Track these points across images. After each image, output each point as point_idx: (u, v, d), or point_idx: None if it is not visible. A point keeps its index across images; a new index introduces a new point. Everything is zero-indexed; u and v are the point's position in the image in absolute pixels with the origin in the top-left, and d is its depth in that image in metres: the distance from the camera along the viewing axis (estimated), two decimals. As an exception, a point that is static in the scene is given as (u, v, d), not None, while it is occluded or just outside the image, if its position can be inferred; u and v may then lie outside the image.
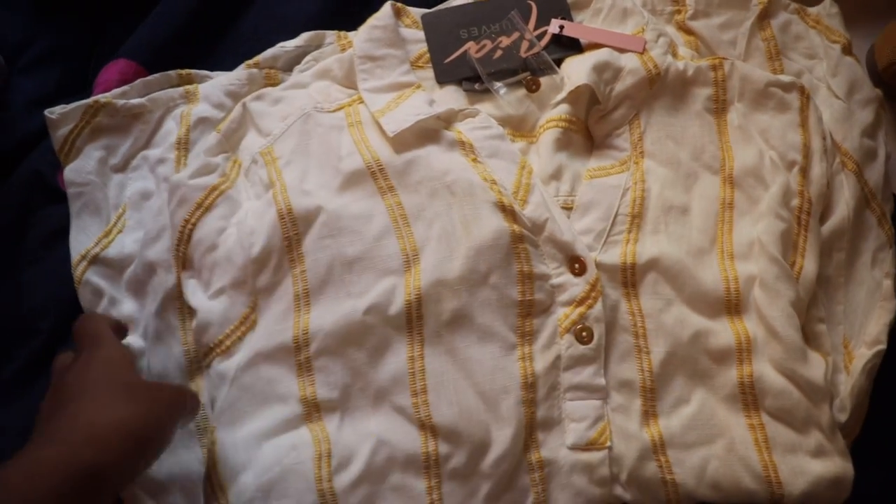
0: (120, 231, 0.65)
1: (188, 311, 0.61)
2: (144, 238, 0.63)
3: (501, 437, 0.55)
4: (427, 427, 0.56)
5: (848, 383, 0.59)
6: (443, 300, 0.57)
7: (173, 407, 0.51)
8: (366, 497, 0.55)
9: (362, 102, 0.65)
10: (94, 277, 0.63)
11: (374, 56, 0.66)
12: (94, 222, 0.65)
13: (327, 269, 0.58)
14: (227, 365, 0.59)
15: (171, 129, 0.67)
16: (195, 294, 0.61)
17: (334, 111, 0.65)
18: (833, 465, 0.55)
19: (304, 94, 0.67)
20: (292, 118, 0.64)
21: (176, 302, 0.61)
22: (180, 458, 0.58)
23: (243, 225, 0.60)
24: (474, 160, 0.61)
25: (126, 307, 0.63)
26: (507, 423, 0.55)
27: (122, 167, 0.67)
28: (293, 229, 0.59)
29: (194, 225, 0.61)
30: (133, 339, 0.62)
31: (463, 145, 0.62)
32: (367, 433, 0.56)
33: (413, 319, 0.57)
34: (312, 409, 0.57)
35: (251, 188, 0.63)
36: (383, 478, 0.55)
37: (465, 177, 0.59)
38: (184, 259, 0.61)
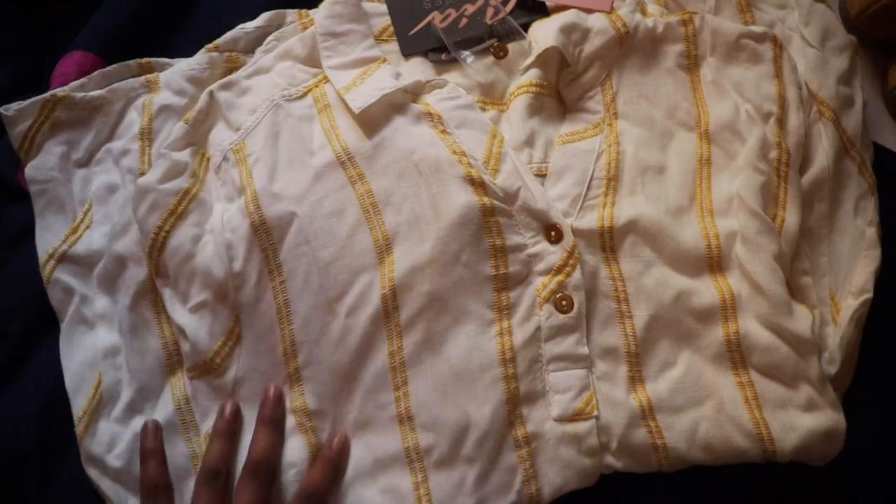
0: (87, 227, 0.64)
1: (163, 307, 0.61)
2: (112, 232, 0.62)
3: (479, 417, 0.55)
4: (405, 420, 0.56)
5: (836, 335, 0.59)
6: (416, 286, 0.56)
7: None
8: (357, 501, 0.56)
9: (328, 81, 0.64)
10: (64, 276, 0.63)
11: (337, 32, 0.65)
12: (60, 219, 0.65)
13: (305, 276, 0.58)
14: (224, 381, 0.59)
15: (134, 119, 0.66)
16: (174, 307, 0.60)
17: (302, 96, 0.64)
18: (825, 417, 0.55)
19: (268, 80, 0.65)
20: (262, 110, 0.63)
21: (149, 295, 0.61)
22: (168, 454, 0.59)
23: (220, 236, 0.59)
24: (443, 132, 0.60)
25: (98, 304, 0.63)
26: (484, 402, 0.55)
27: (86, 161, 0.66)
28: (268, 240, 0.58)
29: (168, 232, 0.59)
30: (108, 336, 0.62)
31: (431, 117, 0.61)
32: (354, 440, 0.57)
33: (390, 311, 0.57)
34: (304, 419, 0.57)
35: (222, 188, 0.62)
36: (373, 481, 0.56)
37: (432, 153, 0.59)
38: (157, 266, 0.60)
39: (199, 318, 0.59)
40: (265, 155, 0.61)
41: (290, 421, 0.58)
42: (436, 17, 0.67)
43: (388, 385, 0.57)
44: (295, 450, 0.57)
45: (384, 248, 0.57)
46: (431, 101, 0.62)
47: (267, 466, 0.56)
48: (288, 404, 0.58)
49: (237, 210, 0.60)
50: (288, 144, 0.62)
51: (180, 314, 0.59)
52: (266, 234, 0.58)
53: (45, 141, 0.65)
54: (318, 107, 0.63)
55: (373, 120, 0.61)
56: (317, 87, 0.65)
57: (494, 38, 0.66)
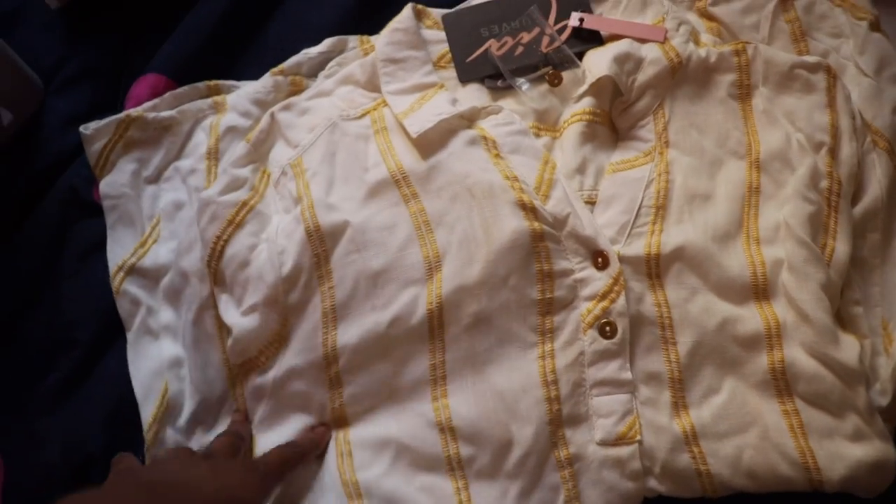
0: (155, 241, 0.67)
1: (224, 324, 0.63)
2: (178, 248, 0.65)
3: (523, 436, 0.56)
4: (446, 430, 0.57)
5: (889, 366, 0.58)
6: (463, 305, 0.58)
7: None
8: (391, 491, 0.56)
9: (386, 105, 0.66)
10: (132, 287, 0.66)
11: (397, 58, 0.68)
12: (129, 233, 0.68)
13: (353, 283, 0.60)
14: (264, 380, 0.61)
15: (201, 140, 0.70)
16: (228, 311, 0.62)
17: (360, 117, 0.66)
18: (873, 448, 0.54)
19: (328, 102, 0.68)
20: (319, 129, 0.66)
21: (212, 311, 0.63)
22: None
23: (273, 243, 0.61)
24: (497, 156, 0.62)
25: (164, 316, 0.66)
26: (527, 422, 0.56)
27: (155, 178, 0.70)
28: (321, 246, 0.60)
29: (226, 241, 0.62)
30: (172, 347, 0.65)
31: (485, 141, 0.63)
32: (389, 439, 0.58)
33: (435, 328, 0.58)
34: (340, 418, 0.60)
35: (280, 201, 0.64)
36: (410, 479, 0.57)
37: (486, 178, 0.60)
38: (215, 274, 0.63)
39: (249, 320, 0.61)
40: (322, 170, 0.63)
41: (324, 419, 0.60)
42: (493, 45, 0.69)
43: (426, 394, 0.58)
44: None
45: (434, 265, 0.59)
46: (486, 126, 0.64)
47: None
48: (327, 405, 0.60)
49: (293, 218, 0.62)
50: (344, 161, 0.63)
51: (233, 317, 0.61)
52: (320, 241, 0.60)
53: (119, 158, 0.69)
54: (374, 128, 0.65)
55: (429, 143, 0.63)
56: (375, 109, 0.67)
57: (549, 67, 0.68)
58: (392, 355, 0.59)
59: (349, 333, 0.59)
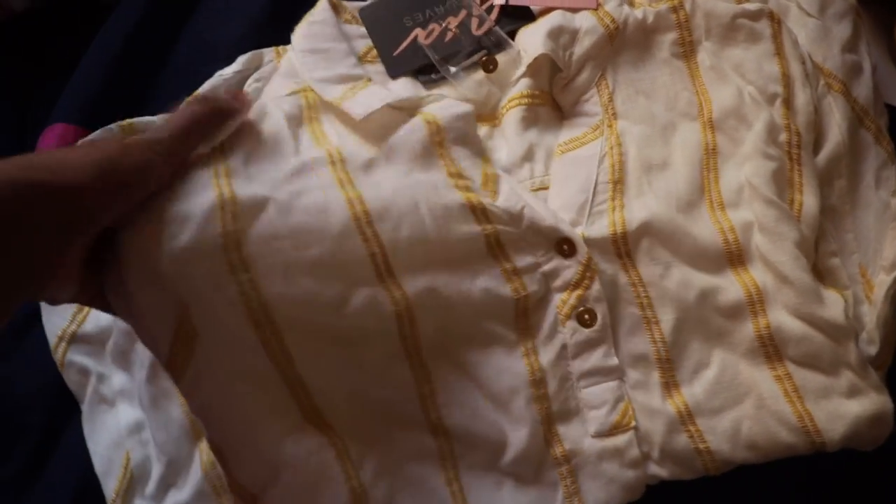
0: (93, 303, 0.64)
1: None
2: None
3: (517, 438, 0.54)
4: (439, 428, 0.55)
5: (872, 313, 0.58)
6: (434, 308, 0.54)
7: (130, 143, 0.46)
8: (387, 490, 0.54)
9: (310, 92, 0.62)
10: (77, 357, 0.63)
11: (317, 49, 0.63)
12: (64, 300, 0.65)
13: (283, 274, 0.51)
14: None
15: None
16: None
17: (290, 94, 0.61)
18: (870, 402, 0.54)
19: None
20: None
21: (165, 364, 0.61)
22: None
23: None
24: (440, 147, 0.57)
25: (116, 381, 0.63)
26: (521, 423, 0.54)
27: (82, 236, 0.66)
28: (233, 224, 0.50)
29: None
30: (130, 412, 0.62)
31: (430, 127, 0.57)
32: (376, 433, 0.55)
33: (406, 333, 0.54)
34: (315, 415, 0.53)
35: None
36: (398, 472, 0.55)
37: (430, 178, 0.56)
38: None
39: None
40: (240, 142, 0.54)
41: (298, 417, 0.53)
42: (419, 34, 0.66)
43: (412, 395, 0.55)
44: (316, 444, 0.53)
45: (382, 264, 0.53)
46: (433, 109, 0.59)
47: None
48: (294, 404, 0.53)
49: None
50: (269, 136, 0.56)
51: None
52: (232, 217, 0.50)
53: (38, 223, 0.65)
54: (306, 114, 0.60)
55: (369, 132, 0.58)
56: (303, 91, 0.62)
57: (483, 50, 0.65)
58: (363, 358, 0.54)
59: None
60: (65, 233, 0.42)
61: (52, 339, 0.64)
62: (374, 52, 0.67)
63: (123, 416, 0.62)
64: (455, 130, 0.58)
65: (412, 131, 0.58)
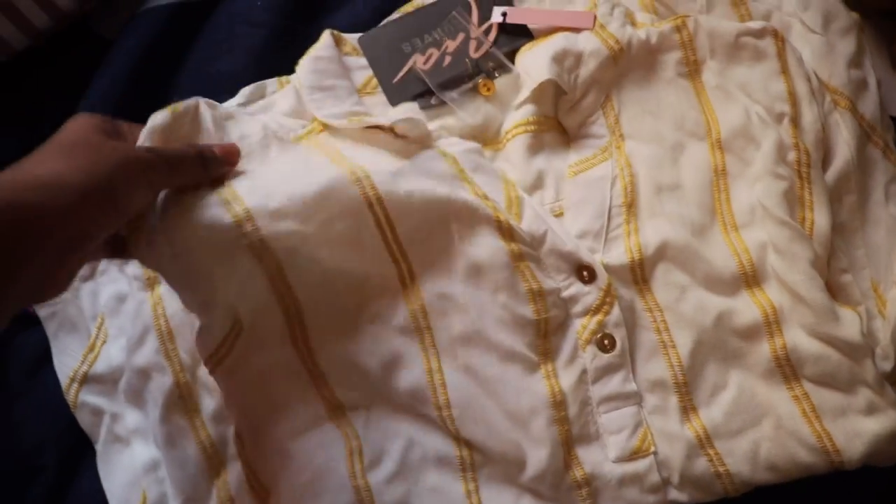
0: (104, 342, 0.64)
1: (194, 409, 0.60)
2: (128, 345, 0.62)
3: (537, 457, 0.54)
4: (460, 438, 0.56)
5: (886, 329, 0.58)
6: (449, 313, 0.56)
7: (125, 166, 0.46)
8: (402, 496, 0.55)
9: (322, 132, 0.62)
10: (90, 397, 0.63)
11: (324, 86, 0.64)
12: (75, 339, 0.65)
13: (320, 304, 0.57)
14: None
15: (131, 222, 0.65)
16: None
17: (296, 139, 0.62)
18: (888, 419, 0.54)
19: (255, 121, 0.62)
20: (254, 136, 0.60)
21: (179, 402, 0.60)
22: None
23: None
24: (462, 173, 0.58)
25: (130, 420, 0.63)
26: (541, 444, 0.55)
27: (90, 274, 0.66)
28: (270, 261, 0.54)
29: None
30: (145, 450, 0.62)
31: (447, 158, 0.58)
32: (397, 432, 0.57)
33: (422, 329, 0.57)
34: (336, 408, 0.57)
35: None
36: (418, 477, 0.56)
37: (460, 194, 0.56)
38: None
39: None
40: (254, 167, 0.56)
41: (320, 410, 0.57)
42: (418, 61, 0.66)
43: (427, 401, 0.56)
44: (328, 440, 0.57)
45: (406, 274, 0.57)
46: (442, 144, 0.60)
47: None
48: (315, 393, 0.58)
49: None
50: (282, 158, 0.59)
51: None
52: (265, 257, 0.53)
53: (46, 262, 0.65)
54: (317, 146, 0.60)
55: (390, 150, 0.59)
56: (308, 135, 0.63)
57: (482, 74, 0.65)
58: (378, 353, 0.57)
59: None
60: (62, 251, 0.43)
61: (63, 379, 0.64)
62: (374, 82, 0.67)
63: (139, 454, 0.62)
64: (470, 161, 0.59)
65: (432, 158, 0.58)
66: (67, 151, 0.45)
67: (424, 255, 0.57)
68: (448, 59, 0.66)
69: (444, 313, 0.56)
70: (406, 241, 0.57)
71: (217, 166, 0.54)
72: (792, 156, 0.59)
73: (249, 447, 0.57)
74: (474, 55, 0.66)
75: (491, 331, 0.56)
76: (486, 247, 0.56)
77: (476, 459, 0.56)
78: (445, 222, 0.57)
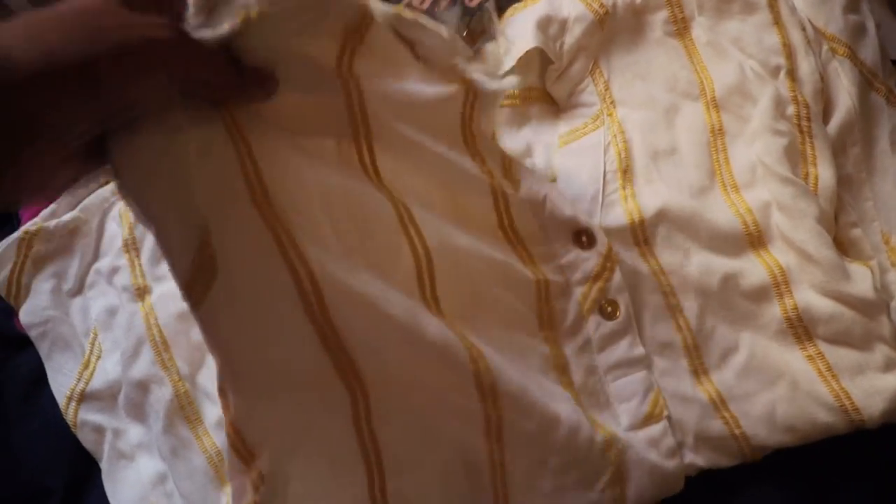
0: (99, 357, 0.63)
1: (196, 418, 0.60)
2: (123, 359, 0.61)
3: (565, 410, 0.50)
4: (487, 390, 0.48)
5: (901, 281, 0.57)
6: (452, 262, 0.51)
7: (125, 46, 0.36)
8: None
9: None
10: (90, 415, 0.62)
11: None
12: (69, 358, 0.64)
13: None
14: None
15: (115, 232, 0.65)
16: None
17: None
18: (907, 374, 0.53)
19: None
20: None
21: (181, 412, 0.60)
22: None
23: None
24: (469, 130, 0.53)
25: (132, 434, 0.62)
26: (561, 399, 0.52)
27: (79, 289, 0.65)
28: None
29: None
30: (151, 464, 0.61)
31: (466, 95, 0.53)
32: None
33: (424, 274, 0.50)
34: (348, 371, 0.47)
35: None
36: (436, 433, 0.49)
37: (460, 161, 0.52)
38: None
39: None
40: None
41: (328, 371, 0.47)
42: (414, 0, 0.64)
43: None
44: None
45: (403, 212, 0.50)
46: (466, 70, 0.54)
47: None
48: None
49: None
50: None
51: None
52: None
53: (32, 280, 0.65)
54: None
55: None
56: None
57: (471, 21, 0.63)
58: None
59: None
60: (14, 138, 0.34)
61: (60, 399, 0.63)
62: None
63: (145, 469, 0.61)
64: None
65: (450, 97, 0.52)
66: (69, 21, 0.36)
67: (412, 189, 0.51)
68: (444, 3, 0.64)
69: (449, 262, 0.51)
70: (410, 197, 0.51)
71: (256, 80, 0.43)
72: (791, 110, 0.57)
73: (235, 405, 0.46)
74: (469, 3, 0.64)
75: (493, 297, 0.53)
76: (481, 211, 0.53)
77: (507, 417, 0.48)
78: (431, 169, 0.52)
